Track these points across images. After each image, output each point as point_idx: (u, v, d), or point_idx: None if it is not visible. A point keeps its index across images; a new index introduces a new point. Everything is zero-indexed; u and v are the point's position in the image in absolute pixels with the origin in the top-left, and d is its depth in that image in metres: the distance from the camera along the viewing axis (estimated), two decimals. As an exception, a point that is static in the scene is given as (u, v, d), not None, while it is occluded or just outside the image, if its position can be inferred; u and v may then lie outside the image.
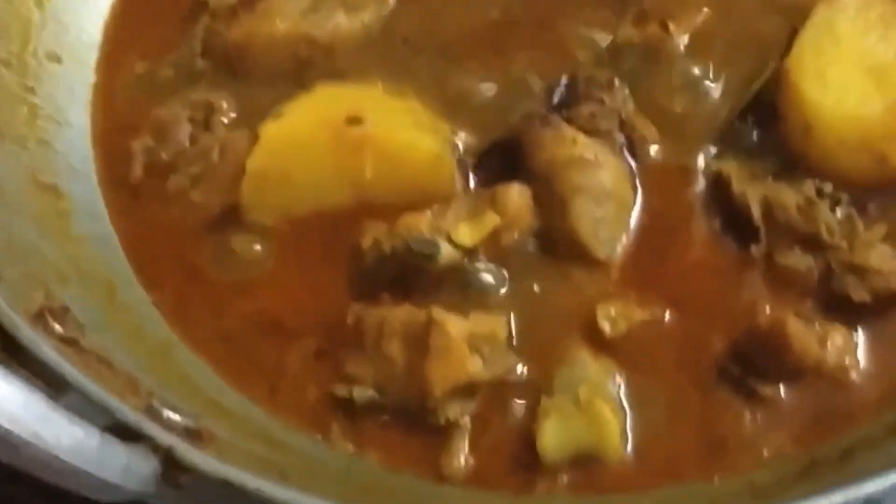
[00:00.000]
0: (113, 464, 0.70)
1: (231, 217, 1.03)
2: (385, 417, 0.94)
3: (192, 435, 0.83)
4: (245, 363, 0.98)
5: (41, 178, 1.02)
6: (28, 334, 0.82)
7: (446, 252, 0.96)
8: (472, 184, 1.03)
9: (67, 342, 0.86)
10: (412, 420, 0.93)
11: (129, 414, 0.80)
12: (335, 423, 0.94)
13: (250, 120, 1.07)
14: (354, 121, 0.99)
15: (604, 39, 1.10)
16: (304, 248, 1.02)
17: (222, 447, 0.84)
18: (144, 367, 0.92)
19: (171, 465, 0.78)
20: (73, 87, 1.11)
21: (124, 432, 0.79)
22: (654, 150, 1.03)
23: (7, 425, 0.66)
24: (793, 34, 1.03)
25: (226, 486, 0.78)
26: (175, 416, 0.83)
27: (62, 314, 0.89)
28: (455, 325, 0.91)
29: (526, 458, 0.90)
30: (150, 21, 1.15)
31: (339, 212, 1.02)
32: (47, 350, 0.81)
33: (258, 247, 1.02)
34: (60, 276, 0.95)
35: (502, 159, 1.02)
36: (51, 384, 0.81)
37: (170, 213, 1.05)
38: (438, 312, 0.92)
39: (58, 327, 0.87)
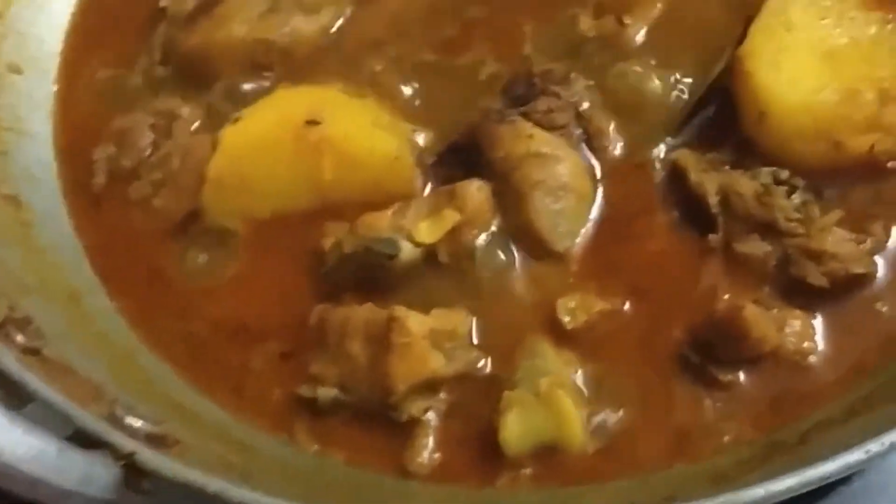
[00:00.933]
0: (72, 472, 0.71)
1: (194, 222, 1.03)
2: (349, 416, 0.94)
3: (156, 440, 0.84)
4: (210, 366, 0.99)
5: (2, 190, 1.02)
6: (-11, 345, 0.82)
7: (407, 250, 0.96)
8: (431, 182, 1.02)
9: (29, 352, 0.87)
10: (376, 417, 0.93)
11: (90, 421, 0.80)
12: (299, 423, 0.95)
13: (212, 125, 1.07)
14: (313, 122, 1.00)
15: (560, 33, 1.09)
16: (267, 250, 1.03)
17: (186, 451, 0.85)
18: (109, 374, 0.92)
19: (133, 470, 0.78)
20: (33, 97, 1.11)
21: (86, 440, 0.79)
22: (611, 142, 1.03)
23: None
24: (748, 22, 1.04)
25: (189, 489, 0.78)
26: (137, 422, 0.83)
27: (24, 325, 0.89)
28: (416, 322, 0.92)
29: (489, 452, 0.91)
30: (110, 29, 1.16)
31: (301, 214, 1.03)
32: (8, 361, 0.82)
33: (221, 251, 1.02)
34: (23, 287, 0.95)
35: (461, 157, 1.03)
36: (12, 394, 0.81)
37: (133, 219, 1.05)
38: (399, 310, 0.93)
39: (20, 338, 0.88)
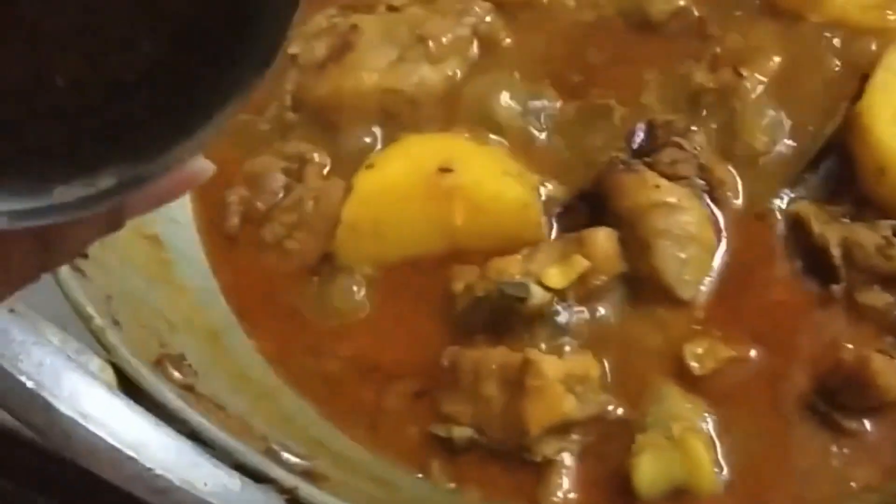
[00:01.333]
0: (252, 507, 0.74)
1: (326, 264, 1.07)
2: (483, 454, 0.97)
3: (309, 475, 0.86)
4: (346, 404, 1.02)
5: (143, 230, 1.06)
6: (152, 381, 0.86)
7: (537, 295, 1.00)
8: (557, 229, 1.06)
9: (186, 388, 0.90)
10: (510, 457, 0.96)
11: (253, 457, 0.83)
12: (435, 461, 0.98)
13: (341, 170, 1.11)
14: (446, 170, 1.03)
15: (678, 84, 1.12)
16: (397, 293, 1.06)
17: (336, 486, 0.88)
18: (253, 411, 0.96)
19: (295, 505, 0.82)
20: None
21: (250, 476, 0.83)
22: (732, 193, 1.06)
23: (160, 471, 0.71)
24: (863, 79, 1.07)
25: (347, 524, 0.82)
26: (293, 458, 0.86)
27: (178, 361, 0.93)
28: (550, 365, 0.95)
29: (622, 493, 0.94)
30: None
31: (430, 258, 1.06)
32: (171, 397, 0.85)
33: (353, 293, 1.06)
34: (170, 325, 0.99)
35: (586, 205, 1.06)
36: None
37: (267, 260, 1.09)
38: (534, 353, 0.96)
39: (177, 374, 0.91)
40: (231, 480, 0.74)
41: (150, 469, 0.71)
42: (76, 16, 0.47)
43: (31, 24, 0.46)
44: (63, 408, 0.69)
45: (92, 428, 0.70)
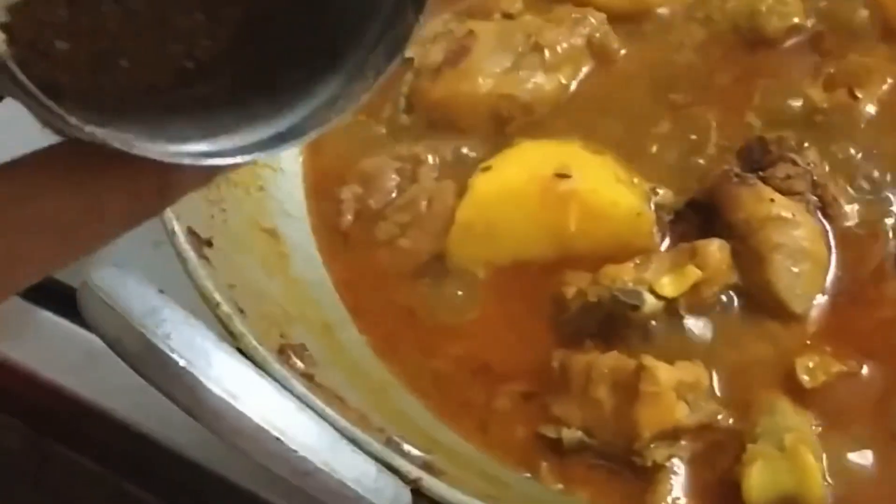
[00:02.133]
0: (386, 493, 0.76)
1: (438, 264, 1.09)
2: (592, 457, 0.98)
3: (428, 468, 0.88)
4: (456, 403, 1.03)
5: (262, 222, 1.08)
6: (277, 369, 0.87)
7: (650, 302, 1.01)
8: (668, 238, 1.07)
9: (307, 377, 0.92)
10: (618, 461, 0.97)
11: (377, 447, 0.85)
12: (544, 462, 0.99)
13: (452, 172, 1.13)
14: (563, 175, 1.05)
15: (791, 102, 1.13)
16: (507, 295, 1.08)
17: (454, 481, 0.89)
18: (367, 404, 0.97)
19: (419, 496, 0.83)
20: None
21: (375, 464, 0.84)
22: (845, 210, 1.07)
23: (303, 453, 0.72)
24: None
25: (466, 517, 0.83)
26: (414, 450, 0.88)
27: (301, 351, 0.94)
28: (664, 372, 0.96)
29: (730, 502, 0.94)
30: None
31: (541, 262, 1.07)
32: (297, 385, 0.86)
33: (464, 293, 1.07)
34: (287, 316, 1.01)
35: (698, 215, 1.07)
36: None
37: (380, 258, 1.11)
38: (648, 359, 0.97)
39: (299, 363, 0.93)
40: (367, 466, 0.75)
41: (294, 451, 0.72)
42: None
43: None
44: (213, 387, 0.71)
45: (240, 408, 0.71)
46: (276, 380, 0.86)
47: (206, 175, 0.58)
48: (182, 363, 0.71)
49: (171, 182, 0.55)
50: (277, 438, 0.72)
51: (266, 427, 0.72)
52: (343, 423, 0.86)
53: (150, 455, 1.14)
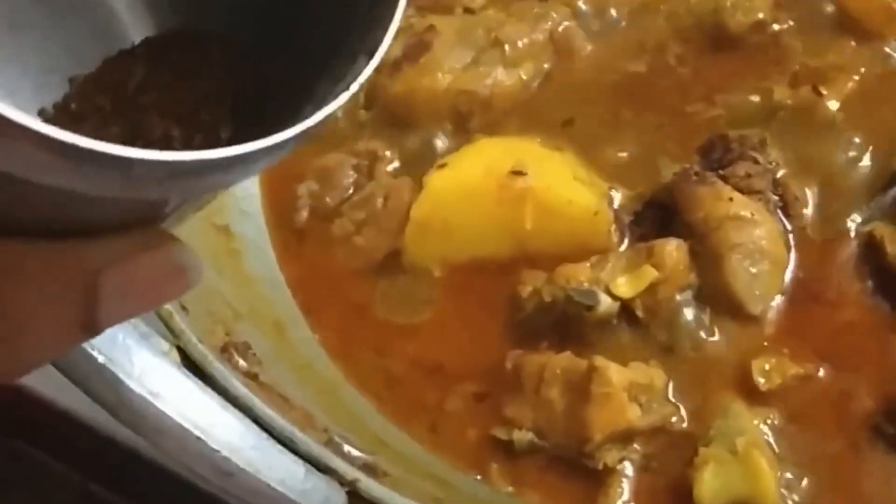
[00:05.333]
0: (315, 495, 0.74)
1: (394, 262, 1.07)
2: (543, 459, 0.97)
3: (369, 470, 0.86)
4: (407, 403, 1.02)
5: (215, 220, 1.06)
6: (218, 368, 0.86)
7: (605, 303, 0.99)
8: (626, 238, 1.05)
9: (250, 376, 0.90)
10: (570, 463, 0.96)
11: (315, 447, 0.83)
12: (494, 464, 0.98)
13: (410, 170, 1.11)
14: (518, 173, 1.03)
15: (754, 99, 1.12)
16: (462, 294, 1.06)
17: (396, 483, 0.87)
18: (315, 404, 0.95)
19: (356, 498, 0.81)
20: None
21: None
22: (806, 210, 1.05)
23: (226, 453, 0.71)
24: (943, 102, 1.06)
25: (406, 520, 0.82)
26: (355, 451, 0.86)
27: (244, 349, 0.93)
28: (616, 373, 0.95)
29: (682, 505, 0.93)
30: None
31: (497, 260, 1.06)
32: (236, 384, 0.85)
33: (418, 291, 1.06)
34: (236, 314, 0.99)
35: (656, 215, 1.05)
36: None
37: (334, 256, 1.09)
38: (600, 360, 0.95)
39: (242, 362, 0.91)
40: (295, 468, 0.74)
41: (216, 451, 0.71)
42: None
43: None
44: (134, 385, 0.69)
45: (161, 406, 0.70)
46: (214, 378, 0.85)
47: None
48: (102, 360, 0.69)
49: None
50: (199, 437, 0.71)
51: (187, 426, 0.71)
52: (281, 422, 0.84)
53: (115, 456, 1.12)
